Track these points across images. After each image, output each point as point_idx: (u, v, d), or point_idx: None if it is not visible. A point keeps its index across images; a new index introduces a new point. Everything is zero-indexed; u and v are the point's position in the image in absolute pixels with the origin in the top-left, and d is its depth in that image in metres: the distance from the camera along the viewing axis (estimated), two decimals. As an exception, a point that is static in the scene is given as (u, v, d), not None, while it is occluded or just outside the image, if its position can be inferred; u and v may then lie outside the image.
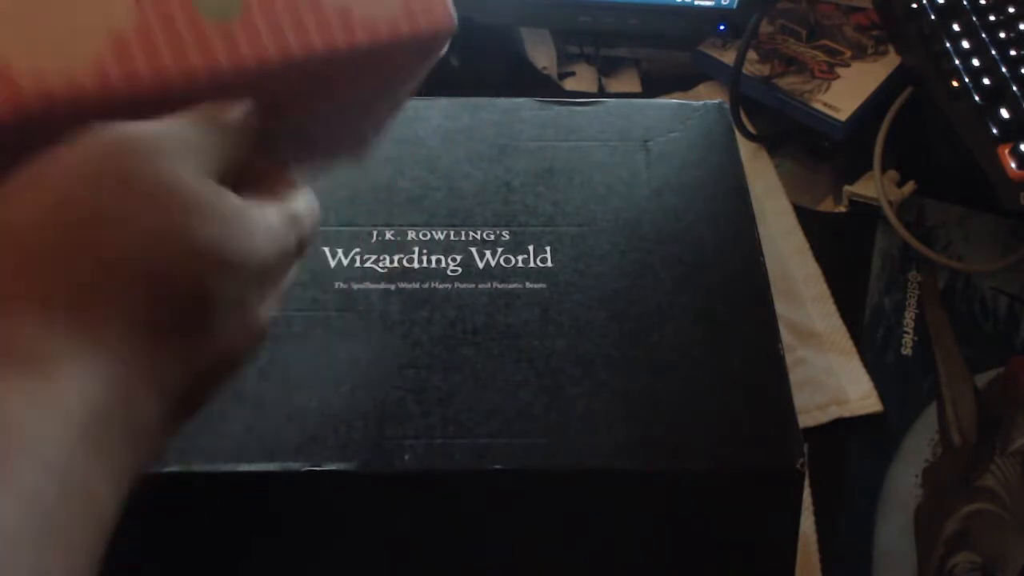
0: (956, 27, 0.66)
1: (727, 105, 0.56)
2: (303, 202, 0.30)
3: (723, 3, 0.70)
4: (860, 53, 0.72)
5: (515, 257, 0.46)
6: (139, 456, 0.23)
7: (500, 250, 0.47)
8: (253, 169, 0.29)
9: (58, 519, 0.20)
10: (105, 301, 0.22)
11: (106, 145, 0.24)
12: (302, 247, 0.29)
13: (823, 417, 0.56)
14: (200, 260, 0.24)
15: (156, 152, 0.24)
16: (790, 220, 0.66)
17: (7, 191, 0.23)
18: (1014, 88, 0.61)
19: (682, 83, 0.75)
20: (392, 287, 0.45)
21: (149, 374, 0.23)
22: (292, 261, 0.29)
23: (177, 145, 0.25)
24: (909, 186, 0.66)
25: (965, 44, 0.65)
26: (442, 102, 0.54)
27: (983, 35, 0.65)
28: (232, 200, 0.25)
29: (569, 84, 0.75)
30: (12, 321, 0.21)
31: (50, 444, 0.20)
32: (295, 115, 0.31)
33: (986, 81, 0.63)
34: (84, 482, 0.21)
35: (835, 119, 0.67)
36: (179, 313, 0.24)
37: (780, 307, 0.46)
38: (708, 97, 0.71)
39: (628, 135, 0.53)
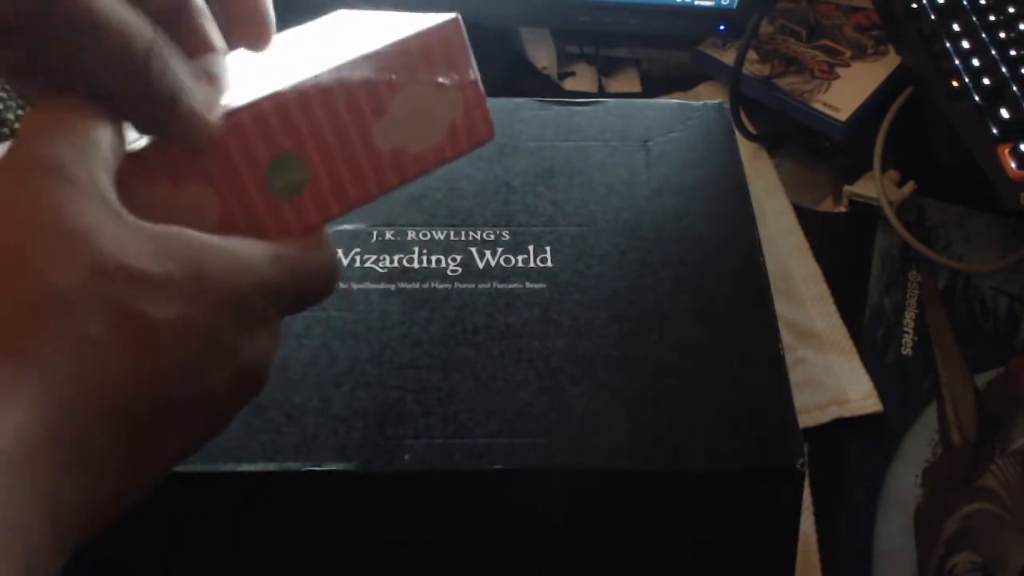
0: (956, 27, 0.66)
1: (727, 105, 0.56)
2: (310, 251, 0.29)
3: (723, 3, 0.70)
4: (860, 53, 0.72)
5: (515, 257, 0.46)
6: (88, 489, 0.22)
7: (500, 250, 0.47)
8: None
9: None
10: (26, 337, 0.22)
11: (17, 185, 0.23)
12: (302, 296, 0.29)
13: (823, 417, 0.56)
14: (107, 277, 0.23)
15: (64, 188, 0.23)
16: (790, 220, 0.66)
17: None
18: (1014, 88, 0.61)
19: (682, 83, 0.75)
20: (392, 287, 0.45)
21: (89, 405, 0.22)
22: (280, 302, 0.28)
23: (83, 177, 0.24)
24: (909, 186, 0.66)
25: (965, 44, 0.65)
26: (442, 102, 0.54)
27: (983, 35, 0.65)
28: (149, 231, 0.24)
29: (569, 84, 0.75)
30: None
31: None
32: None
33: (986, 81, 0.63)
34: (8, 511, 0.20)
35: (835, 119, 0.67)
36: (108, 336, 0.23)
37: (780, 307, 0.46)
38: (708, 97, 0.71)
39: (628, 135, 0.53)
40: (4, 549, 0.20)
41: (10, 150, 0.24)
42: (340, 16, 0.40)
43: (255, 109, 0.28)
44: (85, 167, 0.24)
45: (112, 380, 0.23)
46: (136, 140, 0.28)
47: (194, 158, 0.28)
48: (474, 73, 0.32)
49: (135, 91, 0.26)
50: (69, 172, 0.24)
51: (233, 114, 0.28)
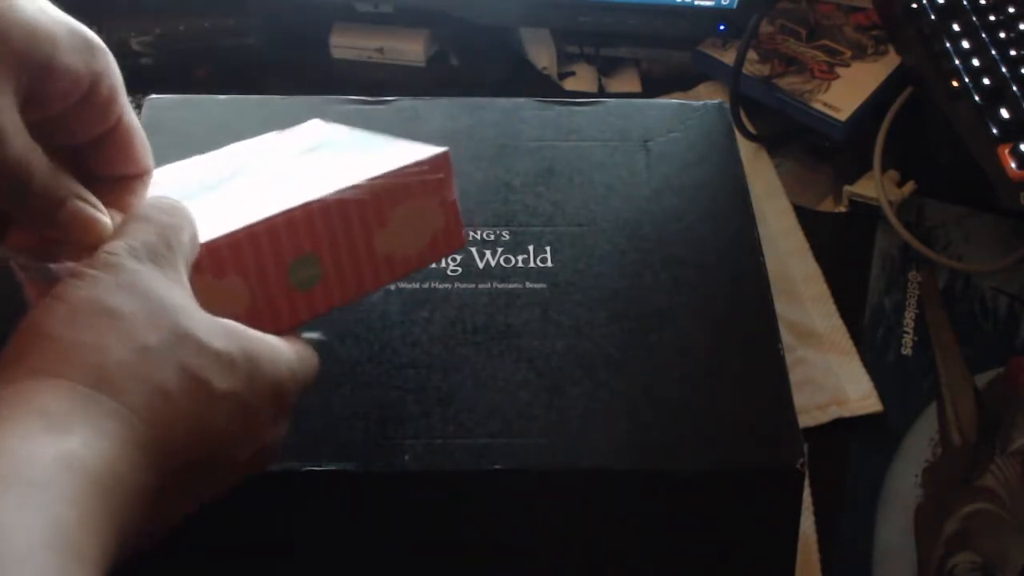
0: (956, 27, 0.66)
1: (727, 105, 0.56)
2: (304, 352, 0.33)
3: (723, 3, 0.70)
4: (860, 53, 0.72)
5: (515, 257, 0.46)
6: (137, 521, 0.26)
7: (500, 250, 0.47)
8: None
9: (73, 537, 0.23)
10: (121, 380, 0.26)
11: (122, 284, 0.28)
12: (304, 390, 0.33)
13: (823, 417, 0.56)
14: (184, 345, 0.28)
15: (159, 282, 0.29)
16: (790, 220, 0.66)
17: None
18: (1014, 88, 0.62)
19: (682, 83, 0.75)
20: (392, 287, 0.45)
21: (155, 448, 0.26)
22: (298, 393, 0.32)
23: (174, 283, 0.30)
24: (909, 186, 0.66)
25: (965, 44, 0.65)
26: (442, 102, 0.54)
27: (983, 35, 0.65)
28: (218, 320, 0.30)
29: (569, 84, 0.75)
30: (48, 393, 0.25)
31: (63, 487, 0.23)
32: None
33: (986, 81, 0.63)
34: (91, 524, 0.24)
35: (835, 119, 0.67)
36: (179, 393, 0.27)
37: (780, 307, 0.46)
38: (708, 97, 0.71)
39: (628, 135, 0.53)
40: (82, 552, 0.23)
41: (135, 243, 0.30)
42: (318, 128, 0.44)
43: (287, 216, 0.34)
44: (174, 261, 0.30)
45: (174, 432, 0.27)
46: None
47: (235, 257, 0.33)
48: (454, 195, 0.39)
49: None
50: (164, 263, 0.29)
51: (268, 220, 0.33)
